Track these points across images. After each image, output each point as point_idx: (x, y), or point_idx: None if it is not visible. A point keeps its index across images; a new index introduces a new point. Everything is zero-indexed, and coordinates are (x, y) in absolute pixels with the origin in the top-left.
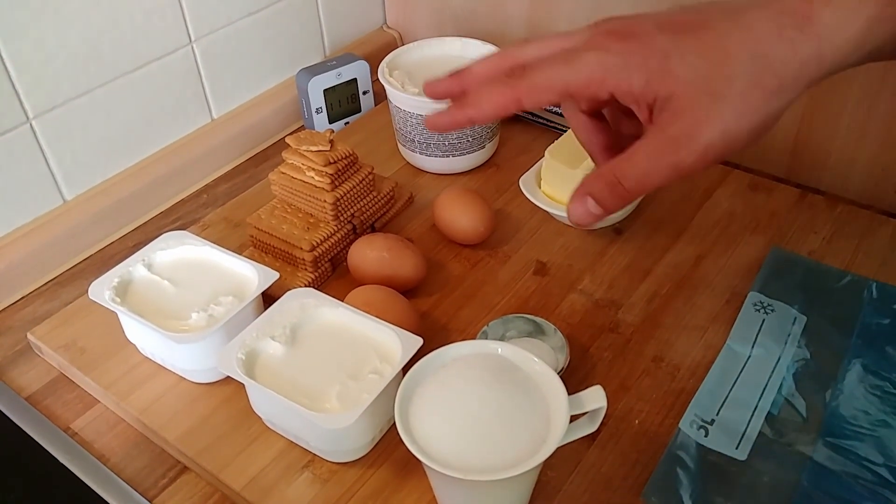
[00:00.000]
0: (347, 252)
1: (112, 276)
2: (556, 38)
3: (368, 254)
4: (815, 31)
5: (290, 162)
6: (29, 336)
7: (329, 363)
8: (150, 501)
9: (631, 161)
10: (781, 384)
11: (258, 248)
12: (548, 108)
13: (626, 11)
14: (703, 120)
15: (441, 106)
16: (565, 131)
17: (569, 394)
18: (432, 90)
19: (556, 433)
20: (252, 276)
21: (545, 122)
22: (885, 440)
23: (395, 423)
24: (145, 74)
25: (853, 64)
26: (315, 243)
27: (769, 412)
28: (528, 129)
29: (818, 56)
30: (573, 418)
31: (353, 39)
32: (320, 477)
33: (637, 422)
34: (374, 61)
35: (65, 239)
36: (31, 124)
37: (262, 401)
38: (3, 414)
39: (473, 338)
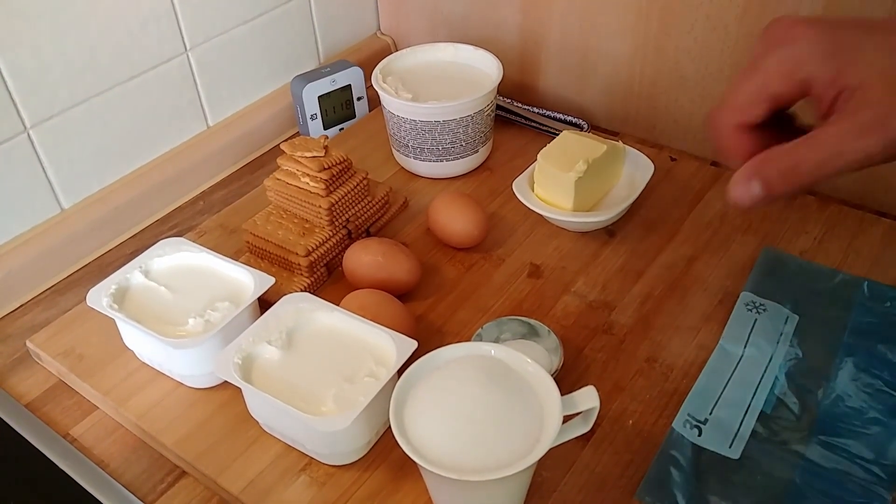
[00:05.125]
0: (342, 257)
1: (110, 283)
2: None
3: (363, 258)
4: None
5: (286, 168)
6: (28, 343)
7: (325, 367)
8: None
9: (813, 146)
10: (774, 383)
11: (254, 253)
12: (543, 112)
13: (611, 16)
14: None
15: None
16: (557, 135)
17: (562, 394)
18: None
19: (550, 433)
20: (248, 281)
21: (538, 125)
22: (877, 438)
23: (390, 426)
24: (141, 83)
25: None
26: (310, 248)
27: (762, 411)
28: (520, 134)
29: None
30: (567, 419)
31: (347, 46)
32: (317, 480)
33: (631, 422)
34: (368, 67)
35: (63, 247)
36: (28, 133)
37: (259, 405)
38: (3, 421)
39: (468, 340)
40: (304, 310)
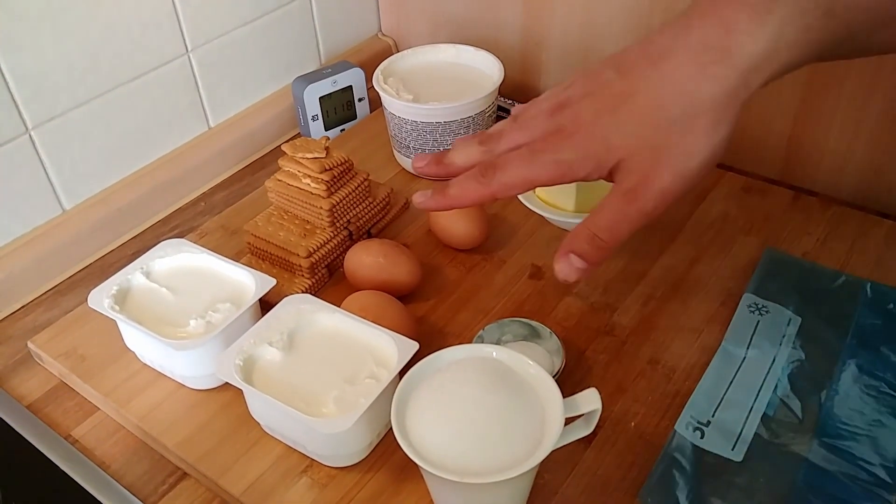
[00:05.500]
0: (344, 258)
1: (111, 285)
2: (517, 131)
3: (364, 259)
4: (737, 63)
5: (287, 169)
6: (29, 345)
7: (326, 368)
8: None
9: (601, 215)
10: (776, 385)
11: (255, 254)
12: None
13: (612, 16)
14: (652, 169)
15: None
16: None
17: (564, 396)
18: (420, 169)
19: (552, 436)
20: (249, 282)
21: None
22: (880, 440)
23: (392, 428)
24: (143, 84)
25: (782, 74)
26: (311, 250)
27: (764, 413)
28: None
29: (745, 82)
30: (569, 421)
31: (348, 47)
32: (319, 481)
33: (633, 424)
34: (369, 69)
35: (64, 248)
36: (30, 135)
37: (261, 406)
38: (5, 422)
39: (469, 342)
40: (305, 311)
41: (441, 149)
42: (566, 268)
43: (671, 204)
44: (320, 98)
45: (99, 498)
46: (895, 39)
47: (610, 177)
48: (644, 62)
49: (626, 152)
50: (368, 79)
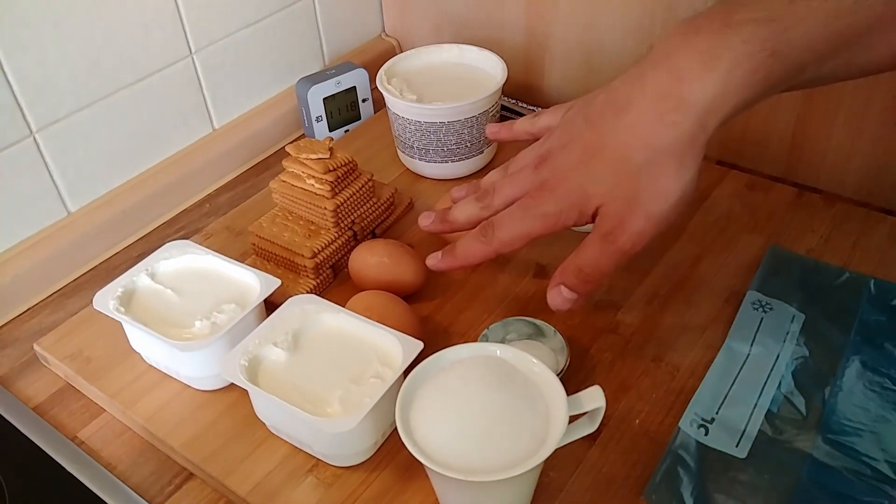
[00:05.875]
0: (348, 258)
1: (116, 286)
2: (508, 186)
3: (369, 260)
4: (691, 108)
5: (291, 170)
6: (35, 347)
7: (331, 368)
8: None
9: (584, 254)
10: (781, 382)
11: (260, 255)
12: None
13: (615, 16)
14: (626, 215)
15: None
16: None
17: (568, 394)
18: (426, 227)
19: (556, 433)
20: (254, 283)
21: None
22: (884, 436)
23: (397, 427)
24: (146, 87)
25: (739, 113)
26: (316, 250)
27: (769, 410)
28: None
29: (702, 125)
30: (573, 418)
31: (351, 48)
32: (324, 481)
33: (637, 422)
34: (372, 69)
35: (69, 250)
36: (34, 138)
37: (266, 407)
38: (12, 424)
39: (474, 341)
40: (309, 311)
41: (446, 149)
42: (557, 297)
43: (648, 242)
44: (324, 99)
45: (105, 499)
46: (843, 70)
47: (592, 220)
48: (609, 112)
49: (602, 200)
50: (372, 79)
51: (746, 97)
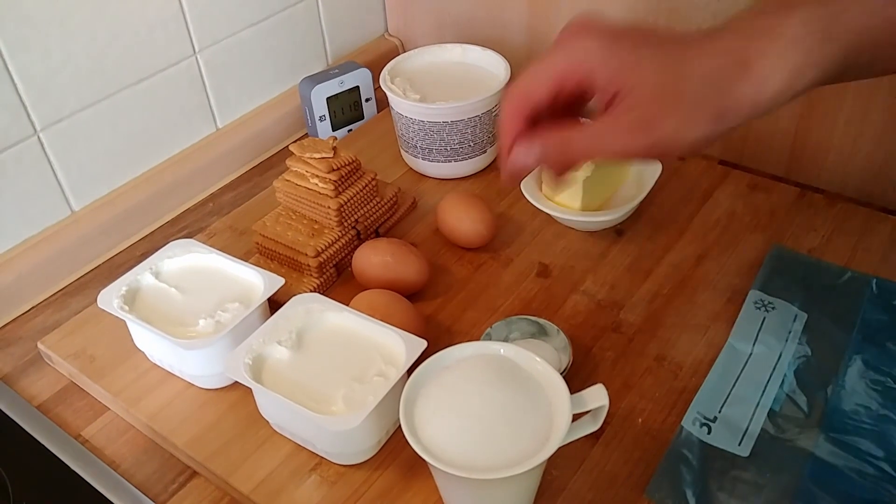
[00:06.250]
0: (352, 257)
1: (120, 285)
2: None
3: (372, 258)
4: (752, 76)
5: (294, 169)
6: (39, 345)
7: (335, 367)
8: None
9: (585, 132)
10: (783, 381)
11: (264, 254)
12: None
13: (619, 16)
14: (658, 116)
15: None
16: None
17: (571, 393)
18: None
19: (559, 431)
20: (258, 282)
21: None
22: (886, 435)
23: (400, 425)
24: (150, 86)
25: (784, 103)
26: (320, 249)
27: (771, 409)
28: None
29: (753, 97)
30: (576, 417)
31: (355, 48)
32: (328, 479)
33: (640, 420)
34: (375, 69)
35: (73, 249)
36: (38, 136)
37: (270, 405)
38: (16, 422)
39: (477, 340)
40: (313, 310)
41: (449, 148)
42: (523, 154)
43: (644, 159)
44: (327, 98)
45: (109, 497)
46: None
47: (609, 99)
48: (685, 37)
49: (645, 85)
50: (375, 79)
51: (804, 83)
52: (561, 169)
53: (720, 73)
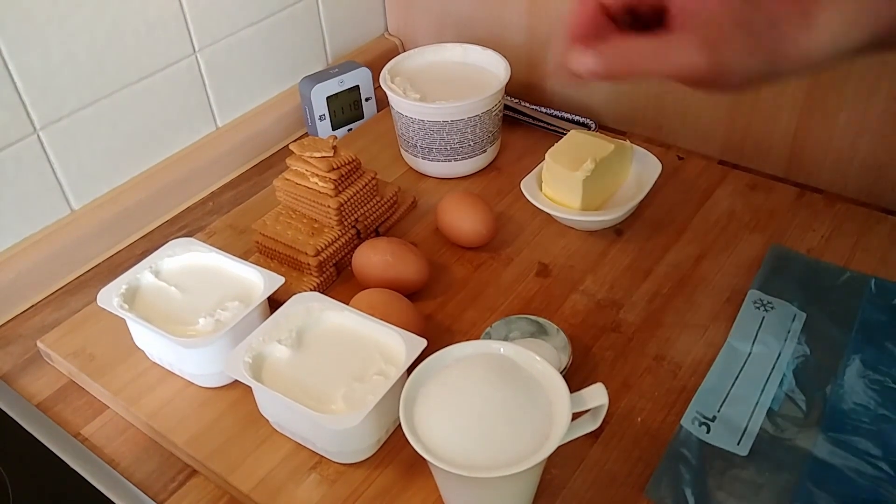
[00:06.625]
0: (352, 256)
1: (120, 284)
2: None
3: (372, 258)
4: (810, 29)
5: (294, 168)
6: (39, 344)
7: (335, 366)
8: None
9: (651, 43)
10: (782, 380)
11: (264, 253)
12: (551, 112)
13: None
14: (726, 39)
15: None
16: (565, 134)
17: (571, 392)
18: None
19: (559, 430)
20: (258, 281)
21: (545, 125)
22: (885, 434)
23: (400, 424)
24: (150, 85)
25: (838, 61)
26: (320, 248)
27: (770, 408)
28: (528, 134)
29: (806, 49)
30: (576, 416)
31: (355, 47)
32: (328, 478)
33: (639, 419)
34: (375, 68)
35: (73, 248)
36: (38, 135)
37: (270, 403)
38: (15, 421)
39: (477, 339)
40: (313, 309)
41: (449, 148)
42: (585, 59)
43: (713, 85)
44: (327, 98)
45: (109, 496)
46: None
47: (681, 17)
48: None
49: (720, 7)
50: (375, 78)
51: (859, 35)
52: (623, 76)
53: (784, 17)
